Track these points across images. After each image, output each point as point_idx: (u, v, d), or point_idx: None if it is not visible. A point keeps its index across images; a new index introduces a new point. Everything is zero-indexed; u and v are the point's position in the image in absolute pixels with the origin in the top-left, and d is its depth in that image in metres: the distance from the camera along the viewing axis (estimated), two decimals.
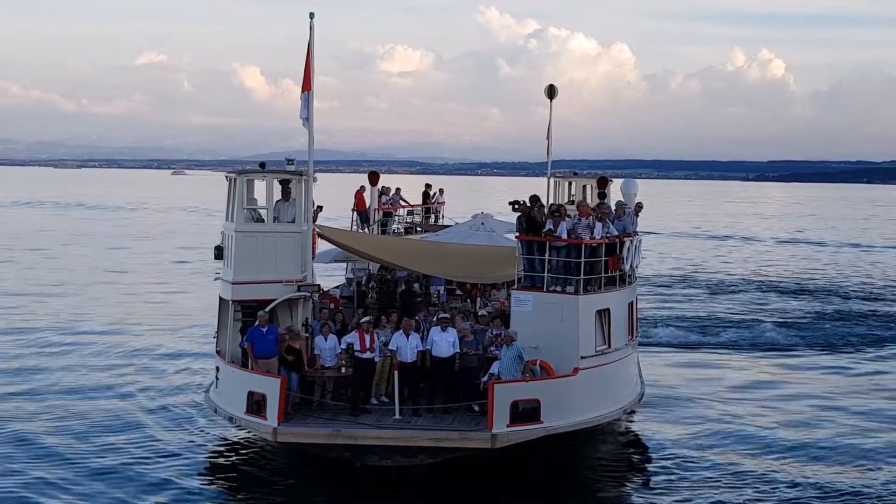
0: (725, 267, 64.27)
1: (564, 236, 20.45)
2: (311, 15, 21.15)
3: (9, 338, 33.85)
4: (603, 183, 27.57)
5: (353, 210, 29.86)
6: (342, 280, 28.21)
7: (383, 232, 30.19)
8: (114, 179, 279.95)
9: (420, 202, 34.30)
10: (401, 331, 19.78)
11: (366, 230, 29.26)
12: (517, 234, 21.33)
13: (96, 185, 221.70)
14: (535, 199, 21.87)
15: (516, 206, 21.61)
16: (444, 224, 33.44)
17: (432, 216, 34.35)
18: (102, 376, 28.24)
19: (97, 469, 19.98)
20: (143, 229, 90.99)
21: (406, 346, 19.50)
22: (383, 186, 31.73)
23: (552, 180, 28.54)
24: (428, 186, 35.03)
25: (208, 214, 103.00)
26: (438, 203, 34.94)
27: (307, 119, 21.37)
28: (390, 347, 19.62)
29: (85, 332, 35.31)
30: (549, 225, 20.70)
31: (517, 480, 19.01)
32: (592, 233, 20.77)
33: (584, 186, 29.63)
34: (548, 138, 27.91)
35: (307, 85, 21.23)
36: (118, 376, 28.26)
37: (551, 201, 27.06)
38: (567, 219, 20.98)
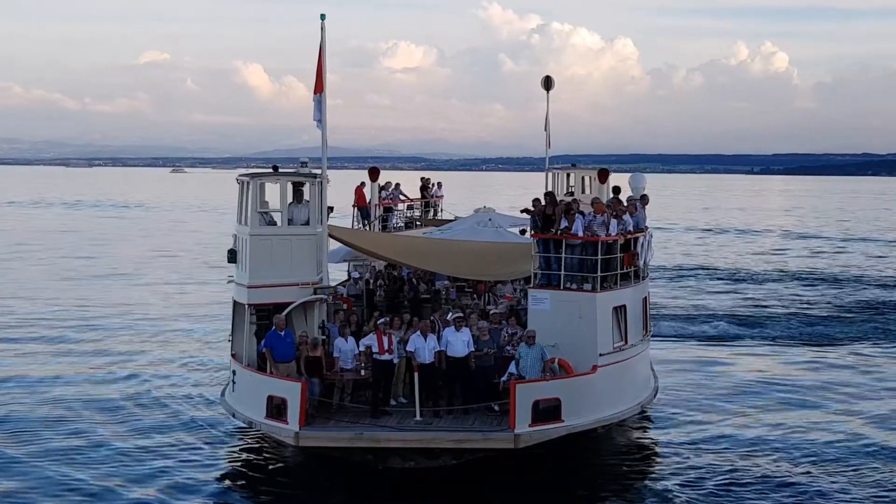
0: (732, 259, 64.13)
1: (580, 234, 20.38)
2: (322, 16, 21.02)
3: (15, 339, 33.88)
4: (604, 175, 27.44)
5: (353, 206, 29.80)
6: (343, 278, 28.10)
7: (384, 227, 30.14)
8: (134, 178, 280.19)
9: (419, 197, 34.27)
10: (418, 332, 19.71)
11: (366, 226, 29.19)
12: (532, 231, 21.26)
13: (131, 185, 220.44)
14: (550, 196, 21.79)
15: (530, 210, 21.50)
16: (444, 218, 33.39)
17: (431, 210, 34.28)
18: (110, 377, 28.25)
19: (112, 473, 19.93)
20: (149, 227, 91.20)
21: (424, 347, 19.41)
22: (387, 182, 31.67)
23: (551, 173, 28.45)
24: (425, 181, 34.98)
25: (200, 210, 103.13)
26: (436, 197, 34.88)
27: (320, 121, 21.30)
28: (408, 349, 19.55)
29: (89, 333, 35.32)
30: (564, 222, 20.63)
31: (537, 479, 18.96)
32: (608, 229, 20.70)
33: (583, 178, 29.56)
34: (546, 130, 27.79)
35: (319, 87, 21.13)
36: (129, 377, 28.27)
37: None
38: (580, 215, 20.88)
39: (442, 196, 35.34)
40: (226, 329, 23.44)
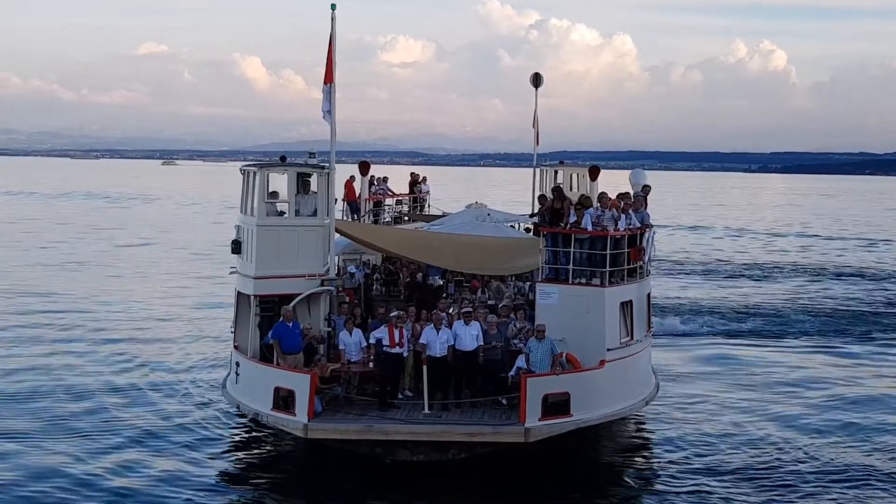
0: (728, 256, 64.04)
1: (590, 228, 20.29)
2: (333, 6, 20.95)
3: (13, 334, 33.70)
4: (595, 173, 27.32)
5: (343, 200, 29.63)
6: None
7: (375, 222, 30.02)
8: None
9: (407, 191, 34.12)
10: (431, 325, 19.59)
11: (356, 221, 29.06)
12: (540, 225, 21.15)
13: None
14: (557, 190, 21.70)
15: (537, 210, 21.41)
16: (432, 214, 33.27)
17: (419, 206, 34.18)
18: (108, 370, 28.02)
19: (111, 463, 19.73)
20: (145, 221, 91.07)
21: (436, 340, 19.30)
22: (372, 176, 31.53)
23: (538, 170, 28.39)
24: (414, 176, 34.83)
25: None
26: (423, 192, 34.74)
27: (329, 112, 21.19)
28: (421, 342, 19.43)
29: (85, 324, 35.07)
30: (573, 217, 20.54)
31: (544, 473, 18.88)
32: (617, 224, 20.61)
33: (572, 175, 29.46)
34: (534, 126, 27.71)
35: (329, 77, 21.05)
36: (128, 368, 28.14)
37: (538, 191, 26.86)
38: (588, 210, 20.77)
39: (427, 191, 35.19)
40: (226, 320, 23.22)
